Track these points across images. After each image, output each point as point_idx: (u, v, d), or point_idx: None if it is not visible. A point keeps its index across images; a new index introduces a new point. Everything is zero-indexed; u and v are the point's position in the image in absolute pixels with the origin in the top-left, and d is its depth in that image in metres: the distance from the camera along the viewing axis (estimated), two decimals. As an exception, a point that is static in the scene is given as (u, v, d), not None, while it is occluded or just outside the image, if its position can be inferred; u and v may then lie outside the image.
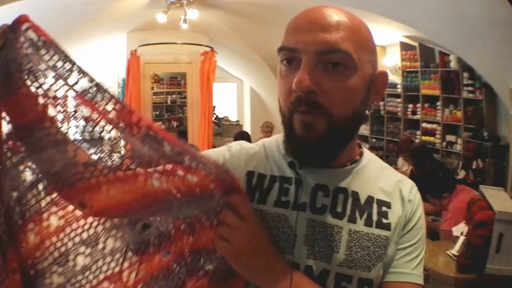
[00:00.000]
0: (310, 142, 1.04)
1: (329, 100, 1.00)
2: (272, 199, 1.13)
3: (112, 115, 1.04)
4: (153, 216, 1.07)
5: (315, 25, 1.00)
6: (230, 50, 10.24)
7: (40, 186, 1.10)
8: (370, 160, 1.22)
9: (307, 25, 1.02)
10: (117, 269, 1.10)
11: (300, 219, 1.10)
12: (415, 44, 7.78)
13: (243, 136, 7.08)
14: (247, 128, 12.64)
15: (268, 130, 8.36)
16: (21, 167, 1.09)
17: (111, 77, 10.51)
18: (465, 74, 6.91)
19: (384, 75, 1.12)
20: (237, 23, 8.48)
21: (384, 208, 1.13)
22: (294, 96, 1.02)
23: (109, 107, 1.04)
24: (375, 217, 1.12)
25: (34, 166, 1.10)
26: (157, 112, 10.60)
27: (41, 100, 1.06)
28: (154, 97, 10.20)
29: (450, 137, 7.55)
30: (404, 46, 8.14)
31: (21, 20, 1.04)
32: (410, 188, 1.20)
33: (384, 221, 1.12)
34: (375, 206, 1.13)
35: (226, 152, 1.23)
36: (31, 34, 1.04)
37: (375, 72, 1.09)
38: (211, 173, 0.99)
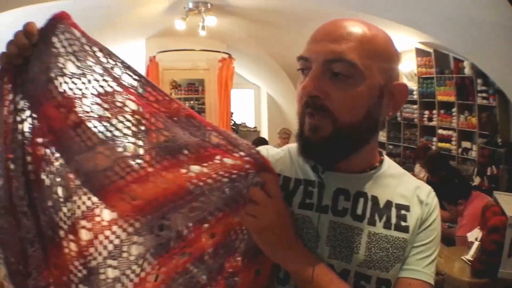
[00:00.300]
0: (315, 144, 1.10)
1: (334, 105, 1.07)
2: (297, 201, 1.19)
3: (155, 106, 1.09)
4: (195, 201, 1.10)
5: (327, 36, 1.07)
6: (247, 57, 10.30)
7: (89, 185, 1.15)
8: (390, 166, 1.27)
9: (321, 36, 1.09)
10: (172, 248, 1.15)
11: (323, 221, 1.16)
12: (430, 50, 7.77)
13: (261, 142, 7.07)
14: (264, 134, 12.68)
15: (285, 136, 8.39)
16: (67, 169, 1.14)
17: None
18: (479, 81, 6.90)
19: (403, 87, 1.16)
20: (254, 30, 8.53)
21: (403, 212, 1.18)
22: (304, 100, 1.10)
23: (152, 98, 1.10)
24: (393, 220, 1.16)
25: (78, 167, 1.14)
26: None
27: (86, 101, 1.10)
28: (172, 103, 10.28)
29: (466, 144, 7.52)
30: (420, 53, 8.13)
31: (62, 16, 1.08)
32: (427, 193, 1.24)
33: (403, 224, 1.17)
34: (393, 210, 1.18)
35: None
36: (75, 31, 1.09)
37: (392, 82, 1.13)
38: (245, 154, 1.07)
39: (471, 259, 3.60)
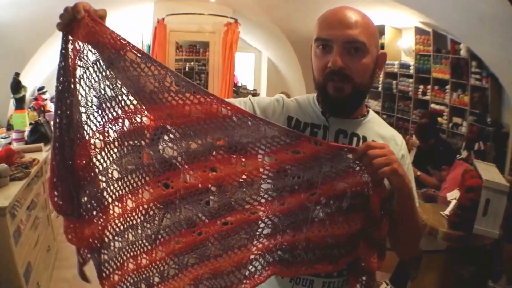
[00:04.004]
0: (340, 100, 1.55)
1: (352, 72, 1.50)
2: None
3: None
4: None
5: (341, 24, 1.50)
6: (251, 22, 10.36)
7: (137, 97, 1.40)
8: (374, 116, 1.75)
9: (336, 23, 1.51)
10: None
11: None
12: (429, 30, 8.02)
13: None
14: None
15: (285, 98, 8.59)
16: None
17: (136, 44, 10.70)
18: (474, 63, 7.15)
19: (384, 55, 1.64)
20: None
21: None
22: (328, 70, 1.52)
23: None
24: None
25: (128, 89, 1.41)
26: (175, 78, 10.45)
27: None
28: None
29: (456, 119, 7.85)
30: (419, 31, 8.38)
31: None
32: (400, 139, 1.73)
33: None
34: None
35: (275, 101, 1.74)
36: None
37: (378, 52, 1.60)
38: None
39: (449, 214, 4.00)
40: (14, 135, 5.28)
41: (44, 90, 7.69)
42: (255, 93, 12.47)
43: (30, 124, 5.65)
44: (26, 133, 5.35)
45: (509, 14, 4.68)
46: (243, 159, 1.43)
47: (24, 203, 3.80)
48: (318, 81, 1.59)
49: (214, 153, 1.42)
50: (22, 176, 3.85)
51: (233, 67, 9.19)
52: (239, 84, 12.96)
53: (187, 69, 11.35)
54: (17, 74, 5.86)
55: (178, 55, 10.55)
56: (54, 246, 4.83)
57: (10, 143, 5.15)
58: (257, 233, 1.55)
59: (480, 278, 4.03)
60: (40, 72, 7.57)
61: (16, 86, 5.81)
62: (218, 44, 9.26)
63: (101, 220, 1.51)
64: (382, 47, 8.58)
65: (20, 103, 5.93)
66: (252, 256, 1.55)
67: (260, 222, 1.54)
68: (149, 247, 1.54)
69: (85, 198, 1.48)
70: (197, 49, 11.20)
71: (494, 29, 5.36)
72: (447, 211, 4.06)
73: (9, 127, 6.11)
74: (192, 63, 11.42)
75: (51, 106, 7.25)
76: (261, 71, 13.98)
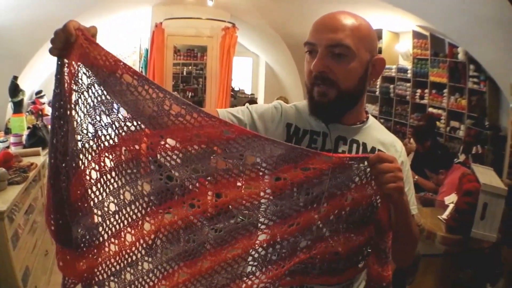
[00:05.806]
0: (324, 104, 1.53)
1: (336, 77, 1.48)
2: (304, 145, 1.60)
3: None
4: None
5: (327, 27, 1.49)
6: (249, 27, 10.33)
7: (135, 123, 1.34)
8: (374, 121, 1.73)
9: (322, 27, 1.51)
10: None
11: None
12: (427, 33, 8.02)
13: (253, 103, 7.34)
14: (260, 101, 12.71)
15: (283, 103, 8.60)
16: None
17: (134, 47, 10.72)
18: (471, 66, 7.14)
19: (382, 60, 1.60)
20: (259, 1, 8.61)
21: None
22: (313, 75, 1.51)
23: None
24: None
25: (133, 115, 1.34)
26: (173, 82, 10.33)
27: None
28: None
29: (454, 123, 7.83)
30: (416, 35, 8.38)
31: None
32: (400, 146, 1.71)
33: None
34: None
35: (273, 108, 1.71)
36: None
37: (373, 57, 1.56)
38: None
39: (446, 217, 3.99)
40: (12, 139, 5.26)
41: (42, 94, 7.66)
42: (252, 98, 12.46)
43: (28, 128, 5.64)
44: (24, 137, 5.33)
45: (507, 17, 4.69)
46: (250, 182, 1.37)
47: (22, 207, 3.78)
48: (307, 86, 1.59)
49: (218, 177, 1.35)
50: (20, 180, 3.83)
51: (230, 71, 9.18)
52: (237, 89, 12.99)
53: (184, 73, 11.40)
54: (15, 78, 5.86)
55: (176, 59, 10.59)
56: (52, 251, 4.79)
57: (8, 147, 5.11)
58: (267, 258, 1.45)
59: (478, 282, 4.04)
60: (38, 76, 7.57)
61: (14, 90, 5.80)
62: (216, 49, 9.25)
63: (95, 257, 1.46)
64: (380, 51, 8.62)
65: (18, 107, 5.92)
66: (262, 285, 1.43)
67: (268, 247, 1.45)
68: (151, 283, 1.44)
69: (80, 232, 1.44)
70: (195, 53, 11.26)
71: (492, 32, 5.37)
72: (444, 215, 4.06)
73: (7, 131, 6.07)
74: (190, 67, 11.49)
75: (49, 110, 7.23)
76: (259, 75, 13.97)
